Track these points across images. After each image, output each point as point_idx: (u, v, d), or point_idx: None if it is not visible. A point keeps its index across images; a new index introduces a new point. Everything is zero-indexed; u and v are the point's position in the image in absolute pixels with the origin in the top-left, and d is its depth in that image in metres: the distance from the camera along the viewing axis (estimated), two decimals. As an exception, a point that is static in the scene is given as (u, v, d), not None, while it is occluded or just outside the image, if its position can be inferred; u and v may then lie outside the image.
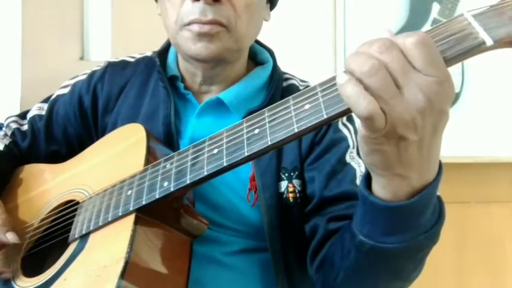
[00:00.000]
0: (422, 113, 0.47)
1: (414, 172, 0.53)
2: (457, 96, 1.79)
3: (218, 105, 0.86)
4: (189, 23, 0.78)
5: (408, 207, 0.55)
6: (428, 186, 0.55)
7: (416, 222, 0.58)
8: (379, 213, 0.58)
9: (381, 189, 0.56)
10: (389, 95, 0.47)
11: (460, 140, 1.77)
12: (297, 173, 0.83)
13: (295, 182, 0.83)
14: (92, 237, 0.73)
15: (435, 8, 1.79)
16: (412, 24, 1.77)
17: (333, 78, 0.54)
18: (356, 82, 0.47)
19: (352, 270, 0.67)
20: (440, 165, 0.57)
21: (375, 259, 0.63)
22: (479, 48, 0.48)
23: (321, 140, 0.85)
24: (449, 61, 0.49)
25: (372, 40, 0.49)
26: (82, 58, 1.69)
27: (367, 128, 0.49)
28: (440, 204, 0.61)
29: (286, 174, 0.83)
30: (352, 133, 0.87)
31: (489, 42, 0.47)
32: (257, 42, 0.96)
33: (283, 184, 0.82)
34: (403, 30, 1.77)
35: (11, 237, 0.79)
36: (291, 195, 0.82)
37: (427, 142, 0.51)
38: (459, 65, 1.79)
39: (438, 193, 0.59)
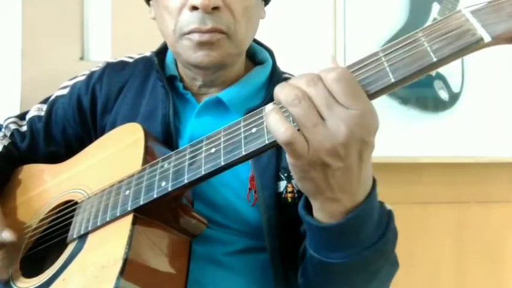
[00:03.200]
0: (344, 143, 0.51)
1: (345, 195, 0.56)
2: (457, 96, 1.79)
3: (217, 104, 0.86)
4: (189, 32, 0.78)
5: (342, 226, 0.58)
6: (358, 206, 0.57)
7: (355, 239, 0.60)
8: (315, 232, 0.62)
9: (317, 211, 0.60)
10: (311, 123, 0.50)
11: (460, 140, 1.77)
12: None
13: (294, 182, 0.82)
14: (91, 238, 0.73)
15: (435, 8, 1.79)
16: (412, 24, 1.77)
17: None
18: (277, 110, 0.52)
19: (312, 281, 0.71)
20: (374, 183, 0.60)
21: (327, 272, 0.66)
22: (477, 44, 0.48)
23: None
24: (447, 58, 0.49)
25: (302, 74, 0.53)
26: (82, 58, 1.68)
27: (290, 155, 0.52)
28: (388, 220, 0.64)
29: (286, 174, 0.83)
30: None
31: (487, 38, 0.47)
32: (256, 41, 0.95)
33: (282, 184, 0.82)
34: (403, 30, 1.77)
35: (6, 235, 0.79)
36: (289, 195, 0.82)
37: (354, 169, 0.54)
38: (459, 64, 1.79)
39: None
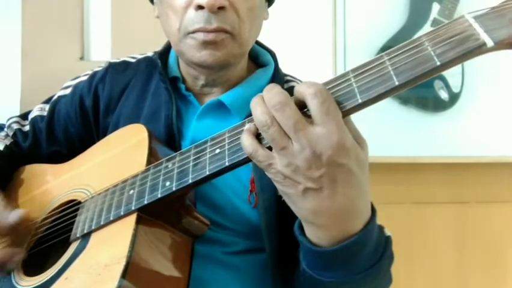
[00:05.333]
0: (309, 165, 0.52)
1: (328, 221, 0.57)
2: (457, 96, 1.80)
3: (219, 107, 0.86)
4: (194, 31, 0.78)
5: (333, 253, 0.59)
6: (352, 236, 0.58)
7: (346, 264, 0.61)
8: (307, 252, 0.63)
9: (307, 233, 0.62)
10: (278, 146, 0.53)
11: (459, 140, 1.77)
12: None
13: None
14: (94, 237, 0.73)
15: (436, 8, 1.80)
16: (412, 24, 1.78)
17: (334, 79, 0.56)
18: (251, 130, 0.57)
19: None
20: (374, 213, 0.60)
21: (318, 287, 0.66)
22: (480, 49, 0.49)
23: None
24: (450, 62, 0.50)
25: (273, 93, 0.54)
26: (82, 58, 1.69)
27: (257, 164, 0.56)
28: (385, 246, 0.64)
29: None
30: None
31: (490, 43, 0.48)
32: (259, 43, 0.96)
33: None
34: (403, 30, 1.77)
35: (14, 215, 0.79)
36: None
37: (327, 192, 0.54)
38: (459, 65, 1.80)
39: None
